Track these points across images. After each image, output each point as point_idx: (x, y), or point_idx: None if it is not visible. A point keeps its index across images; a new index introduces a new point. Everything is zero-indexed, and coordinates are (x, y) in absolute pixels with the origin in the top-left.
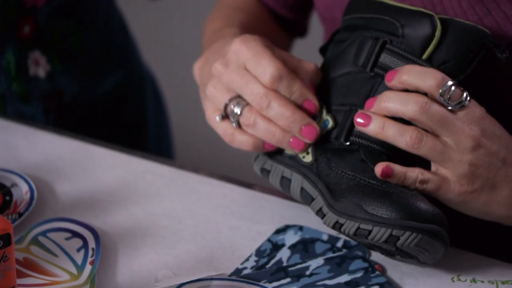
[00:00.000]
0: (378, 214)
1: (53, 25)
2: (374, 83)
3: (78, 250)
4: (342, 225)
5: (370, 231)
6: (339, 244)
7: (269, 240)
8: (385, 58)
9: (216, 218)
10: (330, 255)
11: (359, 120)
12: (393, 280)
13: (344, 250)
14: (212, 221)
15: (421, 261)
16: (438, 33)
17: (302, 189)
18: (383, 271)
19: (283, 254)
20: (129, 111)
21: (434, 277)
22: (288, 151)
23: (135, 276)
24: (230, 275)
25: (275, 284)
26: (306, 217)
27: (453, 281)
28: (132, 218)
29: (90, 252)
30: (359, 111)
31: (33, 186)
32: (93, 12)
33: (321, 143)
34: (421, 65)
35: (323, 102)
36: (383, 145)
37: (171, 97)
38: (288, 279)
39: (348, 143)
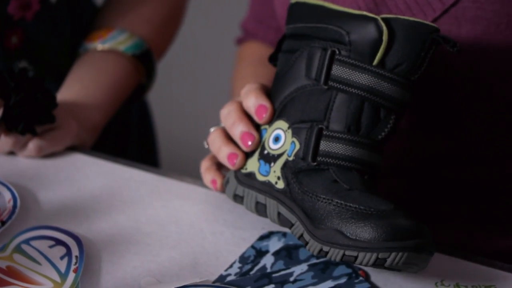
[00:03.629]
0: (361, 239)
1: (41, 38)
2: (331, 96)
3: (62, 258)
4: (327, 252)
5: (356, 257)
6: None
7: (253, 246)
8: (337, 70)
9: (200, 224)
10: (314, 261)
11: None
12: (377, 286)
13: None
14: (196, 227)
15: (410, 271)
16: (385, 37)
17: (279, 214)
18: (367, 276)
19: (267, 261)
20: (112, 118)
21: (418, 282)
22: (259, 176)
23: (119, 283)
24: (214, 282)
25: None
26: None
27: (436, 286)
28: (116, 226)
29: (74, 260)
30: None
31: (16, 194)
32: (81, 24)
33: (290, 167)
34: (374, 72)
35: (281, 120)
36: (353, 160)
37: (157, 103)
38: (272, 286)
39: (315, 164)
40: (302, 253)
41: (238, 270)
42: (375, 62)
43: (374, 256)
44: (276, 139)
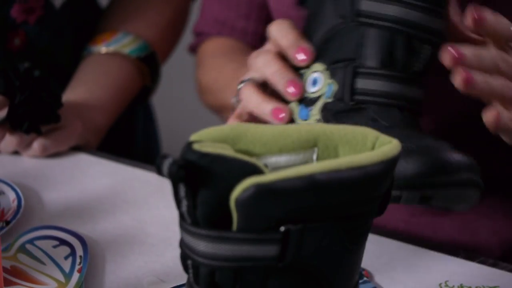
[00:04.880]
0: (402, 177)
1: (44, 42)
2: (363, 32)
3: (66, 258)
4: None
5: (400, 197)
6: None
7: None
8: (366, 5)
9: None
10: None
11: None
12: (381, 286)
13: None
14: None
15: (457, 208)
16: None
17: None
18: (370, 277)
19: None
20: (117, 119)
21: (422, 283)
22: (299, 121)
23: (123, 283)
24: None
25: None
26: None
27: (441, 287)
28: (120, 226)
29: (78, 260)
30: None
31: (21, 194)
32: (85, 27)
33: (329, 108)
34: (403, 1)
35: (318, 63)
36: (390, 96)
37: (160, 105)
38: None
39: (353, 103)
40: None
41: None
42: None
43: (418, 194)
44: (314, 82)
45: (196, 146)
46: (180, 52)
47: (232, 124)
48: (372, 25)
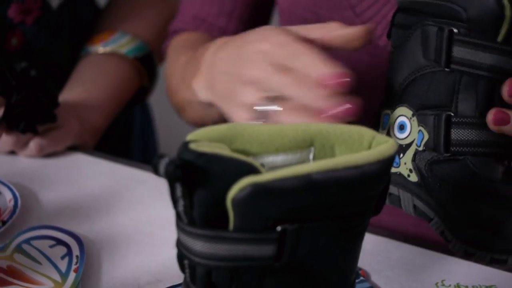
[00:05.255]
0: (510, 242)
1: (42, 42)
2: (455, 80)
3: (62, 257)
4: (473, 254)
5: (506, 260)
6: None
7: None
8: (458, 51)
9: None
10: None
11: (499, 116)
12: (377, 286)
13: None
14: None
15: None
16: (508, 12)
17: (415, 207)
18: (367, 276)
19: None
20: (115, 119)
21: (418, 282)
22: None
23: (120, 283)
24: None
25: None
26: None
27: (437, 286)
28: (117, 226)
29: (74, 260)
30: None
31: (17, 193)
32: (82, 28)
33: (421, 158)
34: (501, 49)
35: (403, 107)
36: (489, 145)
37: (158, 105)
38: None
39: (448, 154)
40: None
41: None
42: (500, 39)
43: None
44: (401, 128)
45: (192, 146)
46: None
47: (229, 124)
48: (467, 73)
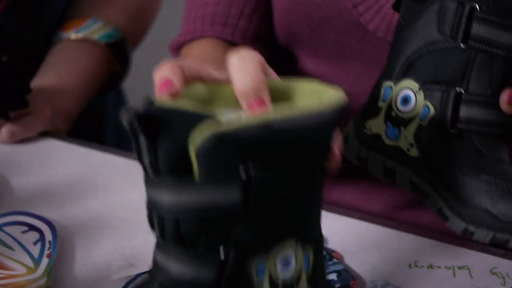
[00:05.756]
0: None
1: (13, 28)
2: (469, 57)
3: (35, 243)
4: (473, 233)
5: (508, 240)
6: None
7: None
8: (477, 29)
9: None
10: None
11: None
12: (351, 268)
13: None
14: None
15: None
16: None
17: (411, 183)
18: (340, 258)
19: None
20: (88, 105)
21: (391, 263)
22: (386, 140)
23: (93, 268)
24: None
25: None
26: None
27: (410, 267)
28: (90, 211)
29: (47, 245)
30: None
31: None
32: (55, 14)
33: (425, 133)
34: None
35: (410, 79)
36: (499, 125)
37: (132, 91)
38: None
39: (455, 131)
40: None
41: None
42: None
43: None
44: (405, 101)
45: (155, 100)
46: (153, 38)
47: (207, 85)
48: (484, 51)
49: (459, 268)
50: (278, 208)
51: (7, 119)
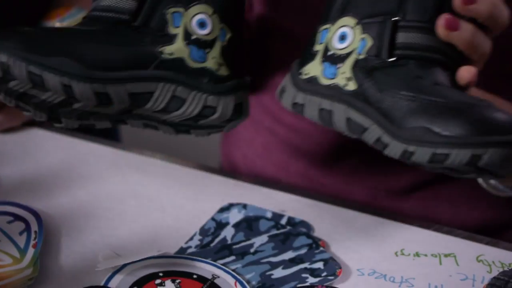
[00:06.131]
0: (454, 135)
1: None
2: None
3: (21, 233)
4: (412, 153)
5: (447, 155)
6: (283, 221)
7: (213, 218)
8: None
9: (159, 198)
10: (274, 232)
11: (450, 21)
12: (337, 256)
13: (288, 227)
14: (155, 201)
15: (500, 175)
16: None
17: (348, 119)
18: (327, 247)
19: (228, 233)
20: None
21: (377, 252)
22: (323, 80)
23: (79, 258)
24: (174, 254)
25: (220, 262)
26: (250, 196)
27: (396, 255)
28: (75, 200)
29: (33, 235)
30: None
31: None
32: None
33: (362, 65)
34: None
35: (347, 17)
36: (437, 51)
37: None
38: (232, 257)
39: (392, 59)
40: (262, 224)
41: (198, 243)
42: None
43: (468, 153)
44: (342, 38)
45: None
46: None
47: None
48: None
49: (445, 256)
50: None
51: None
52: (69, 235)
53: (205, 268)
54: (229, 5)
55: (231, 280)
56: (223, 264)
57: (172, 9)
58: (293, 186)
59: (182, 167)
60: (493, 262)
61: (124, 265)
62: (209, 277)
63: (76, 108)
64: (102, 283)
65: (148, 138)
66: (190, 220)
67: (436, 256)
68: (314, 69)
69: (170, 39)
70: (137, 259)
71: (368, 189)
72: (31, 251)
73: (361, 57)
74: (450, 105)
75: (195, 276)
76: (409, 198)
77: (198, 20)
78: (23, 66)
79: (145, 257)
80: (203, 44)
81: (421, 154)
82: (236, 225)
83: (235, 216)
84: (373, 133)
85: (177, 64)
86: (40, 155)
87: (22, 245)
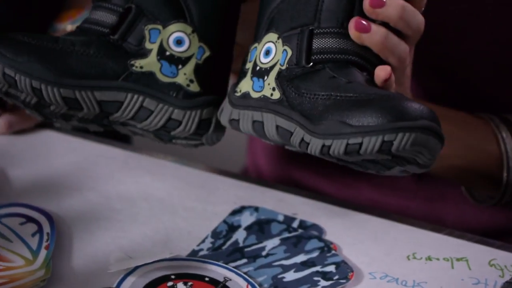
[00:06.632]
0: (365, 124)
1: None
2: None
3: (33, 235)
4: (329, 147)
5: (361, 144)
6: (295, 224)
7: (225, 221)
8: None
9: (171, 200)
10: (286, 235)
11: (360, 24)
12: (349, 259)
13: (300, 230)
14: (167, 203)
15: (420, 164)
16: None
17: (277, 127)
18: (338, 250)
19: (239, 235)
20: None
21: (389, 255)
22: (253, 94)
23: (91, 259)
24: (186, 257)
25: (232, 264)
26: (261, 198)
27: (408, 259)
28: (87, 202)
29: (45, 237)
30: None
31: None
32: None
33: (284, 75)
34: None
35: (270, 33)
36: (349, 52)
37: None
38: (244, 260)
39: (311, 64)
40: (274, 227)
41: (210, 245)
42: None
43: (379, 139)
44: (267, 53)
45: None
46: None
47: None
48: None
49: (458, 260)
50: None
51: (4, 109)
52: (81, 237)
53: (217, 271)
54: (211, 25)
55: (243, 283)
56: (235, 267)
57: (150, 26)
58: (302, 181)
59: (193, 169)
60: (505, 266)
61: (136, 267)
62: (221, 279)
63: (53, 110)
64: (114, 285)
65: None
66: (202, 223)
67: (448, 260)
68: (245, 85)
69: (144, 53)
70: (149, 261)
71: (374, 186)
72: (43, 253)
73: (284, 67)
74: (361, 97)
75: (207, 279)
76: (415, 198)
77: (175, 38)
78: (0, 68)
79: (157, 259)
80: (176, 60)
81: (337, 146)
82: (248, 228)
83: (247, 219)
84: (297, 135)
85: (147, 77)
86: (52, 157)
87: (34, 246)
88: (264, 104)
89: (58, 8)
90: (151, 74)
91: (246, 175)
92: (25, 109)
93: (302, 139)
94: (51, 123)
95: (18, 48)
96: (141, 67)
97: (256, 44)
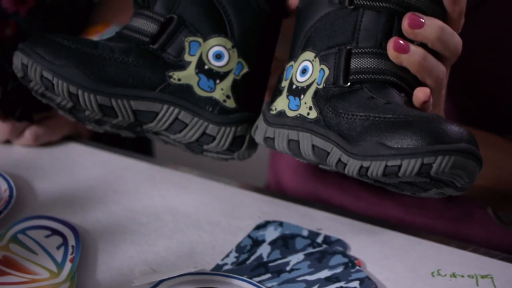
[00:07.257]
0: (404, 146)
1: (34, 32)
2: (357, 16)
3: (58, 247)
4: (368, 168)
5: (400, 166)
6: (319, 239)
7: (249, 236)
8: None
9: (196, 214)
10: (310, 250)
11: (399, 44)
12: (373, 275)
13: (324, 246)
14: (192, 217)
15: (458, 187)
16: None
17: (313, 146)
18: (363, 266)
19: (264, 250)
20: None
21: (414, 272)
22: (289, 113)
23: (115, 273)
24: (210, 271)
25: (256, 279)
26: (286, 213)
27: (433, 275)
28: (112, 215)
29: (70, 250)
30: (394, 39)
31: (12, 184)
32: (77, 19)
33: (321, 94)
34: None
35: (307, 51)
36: (387, 73)
37: None
38: (268, 275)
39: (348, 84)
40: (298, 242)
41: (234, 260)
42: None
43: (419, 162)
44: (304, 71)
45: None
46: None
47: None
48: (369, 7)
49: (482, 277)
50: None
51: (31, 121)
52: (105, 250)
53: (241, 286)
54: (251, 40)
55: None
56: (259, 282)
57: (191, 38)
58: (328, 199)
59: (218, 183)
60: None
61: (161, 281)
62: None
63: (87, 115)
64: None
65: (182, 153)
66: (226, 237)
67: (472, 277)
68: (281, 103)
69: (183, 65)
70: (174, 275)
71: (401, 205)
72: (68, 266)
73: (320, 86)
74: (400, 119)
75: None
76: (442, 217)
77: (215, 52)
78: (38, 69)
79: (182, 273)
80: (215, 75)
81: (375, 168)
82: (272, 243)
83: (271, 233)
84: (334, 155)
85: (184, 90)
86: (77, 170)
87: (59, 259)
88: (300, 123)
89: (84, 22)
90: (188, 87)
91: (271, 190)
92: (59, 111)
93: (339, 160)
94: (77, 137)
95: (57, 51)
96: (179, 79)
97: (292, 62)
